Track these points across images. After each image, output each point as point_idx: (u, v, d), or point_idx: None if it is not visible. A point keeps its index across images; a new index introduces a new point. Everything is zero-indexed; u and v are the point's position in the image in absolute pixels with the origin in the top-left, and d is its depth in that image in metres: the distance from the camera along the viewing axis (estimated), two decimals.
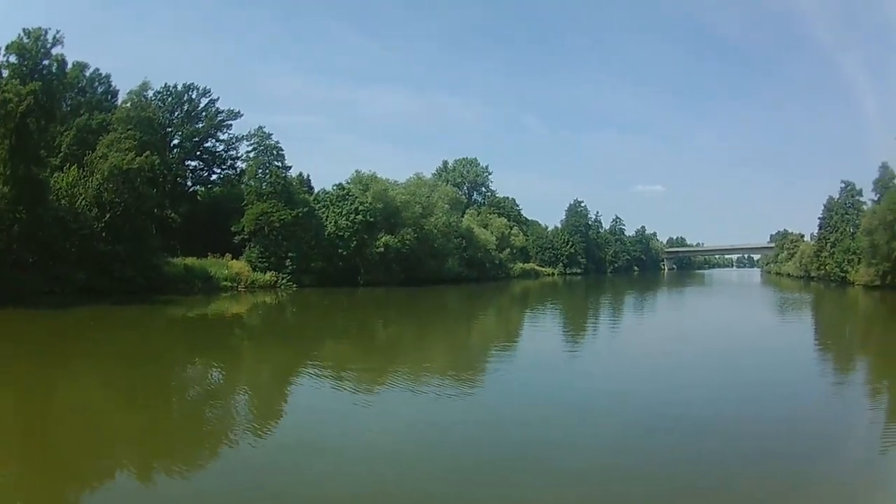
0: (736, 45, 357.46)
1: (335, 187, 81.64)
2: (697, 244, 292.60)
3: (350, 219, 75.10)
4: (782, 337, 36.15)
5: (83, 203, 50.44)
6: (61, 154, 57.59)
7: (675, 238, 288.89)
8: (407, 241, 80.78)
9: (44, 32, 52.23)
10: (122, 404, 17.37)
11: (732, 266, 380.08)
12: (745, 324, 44.85)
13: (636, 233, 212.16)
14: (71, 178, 51.58)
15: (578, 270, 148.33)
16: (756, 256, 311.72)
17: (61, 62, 53.90)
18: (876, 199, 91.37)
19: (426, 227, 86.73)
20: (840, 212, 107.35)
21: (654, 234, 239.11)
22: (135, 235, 51.98)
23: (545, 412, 16.41)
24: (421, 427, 14.80)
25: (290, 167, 75.16)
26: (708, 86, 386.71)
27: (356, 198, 77.59)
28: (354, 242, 74.52)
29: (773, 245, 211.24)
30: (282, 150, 73.44)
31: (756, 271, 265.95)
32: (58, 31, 52.79)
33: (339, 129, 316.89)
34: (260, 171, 72.07)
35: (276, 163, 72.92)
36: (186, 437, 14.35)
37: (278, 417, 16.36)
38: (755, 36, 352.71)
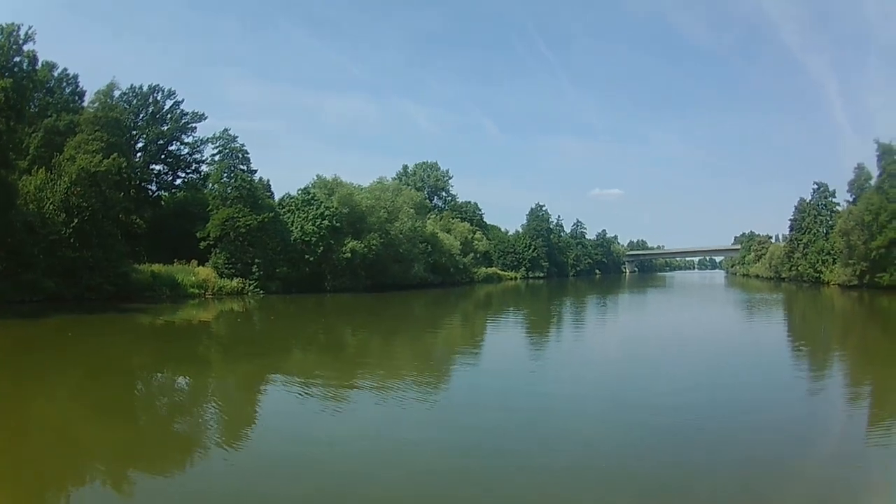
0: (699, 48, 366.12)
1: (300, 192, 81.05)
2: (658, 247, 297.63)
3: (316, 224, 75.00)
4: (777, 337, 37.94)
5: (51, 207, 50.08)
6: (29, 156, 56.86)
7: (636, 241, 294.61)
8: (373, 247, 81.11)
9: (16, 28, 51.11)
10: (94, 416, 17.60)
11: (694, 268, 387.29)
12: (724, 325, 45.60)
13: (597, 236, 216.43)
14: (39, 182, 51.11)
15: (541, 274, 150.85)
16: (719, 258, 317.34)
17: (32, 59, 52.56)
18: (851, 199, 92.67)
19: (391, 232, 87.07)
20: (812, 213, 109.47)
21: (615, 238, 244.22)
22: (102, 241, 51.91)
23: (513, 415, 16.97)
24: (390, 431, 15.36)
25: (255, 171, 74.17)
26: (666, 89, 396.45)
27: (322, 202, 77.46)
28: (321, 248, 74.68)
29: (737, 247, 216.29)
30: (247, 153, 72.25)
31: (719, 273, 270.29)
32: (30, 27, 51.84)
33: (297, 134, 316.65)
34: (225, 175, 70.86)
35: (241, 166, 71.61)
36: (157, 447, 14.63)
37: (249, 425, 16.74)
38: (719, 38, 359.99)
